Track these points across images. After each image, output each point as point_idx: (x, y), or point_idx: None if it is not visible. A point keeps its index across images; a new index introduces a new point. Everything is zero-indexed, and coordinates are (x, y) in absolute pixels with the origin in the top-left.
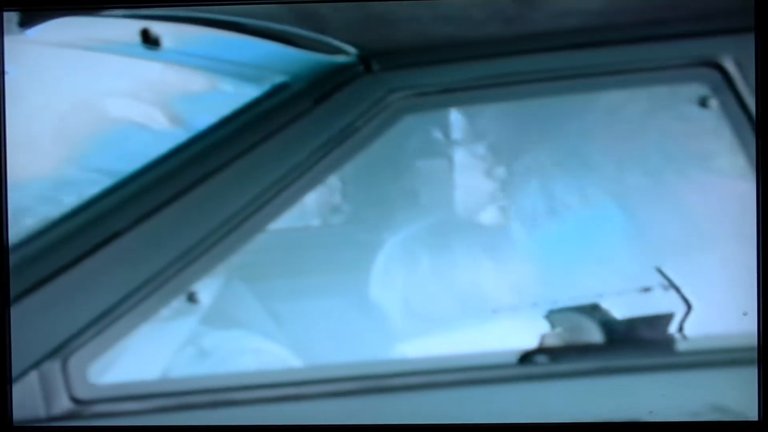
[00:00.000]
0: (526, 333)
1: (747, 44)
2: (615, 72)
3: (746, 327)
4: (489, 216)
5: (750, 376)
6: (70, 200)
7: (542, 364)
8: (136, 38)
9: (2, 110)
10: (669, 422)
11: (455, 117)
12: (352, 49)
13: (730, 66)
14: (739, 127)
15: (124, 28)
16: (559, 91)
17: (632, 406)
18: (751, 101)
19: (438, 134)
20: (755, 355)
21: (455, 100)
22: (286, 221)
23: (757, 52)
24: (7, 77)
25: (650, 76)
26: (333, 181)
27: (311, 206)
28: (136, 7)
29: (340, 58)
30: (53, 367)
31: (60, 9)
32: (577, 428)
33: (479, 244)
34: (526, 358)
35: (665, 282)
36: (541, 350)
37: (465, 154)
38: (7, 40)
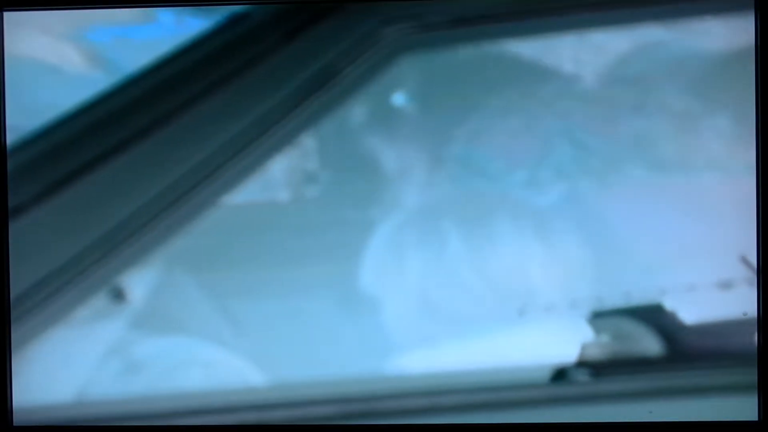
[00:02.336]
0: (563, 342)
1: None
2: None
3: None
4: (513, 187)
5: None
6: None
7: (583, 382)
8: None
9: (2, 110)
10: (669, 422)
11: (468, 56)
12: None
13: None
14: None
15: None
16: (608, 22)
17: None
18: None
19: (446, 79)
20: None
21: (467, 35)
22: (245, 194)
23: (757, 51)
24: None
25: (728, 2)
26: (308, 140)
27: (279, 174)
28: (135, 6)
29: None
30: None
31: (60, 9)
32: (577, 428)
33: (499, 224)
34: (562, 374)
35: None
36: (582, 364)
37: (481, 105)
38: None
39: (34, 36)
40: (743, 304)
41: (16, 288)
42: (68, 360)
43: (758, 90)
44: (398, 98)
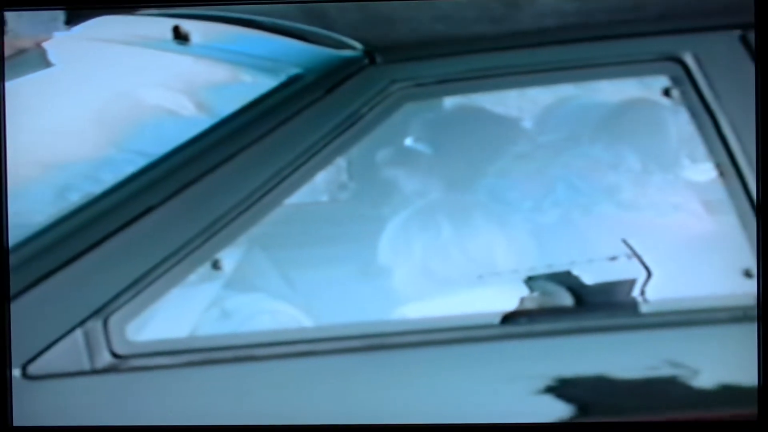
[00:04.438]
0: (508, 297)
1: (704, 41)
2: (591, 65)
3: (704, 290)
4: (478, 194)
5: (703, 334)
6: (109, 178)
7: (521, 324)
8: (169, 35)
9: (3, 111)
10: (669, 422)
11: (450, 105)
12: (358, 45)
13: (689, 61)
14: (697, 113)
15: (158, 25)
16: (541, 82)
17: (599, 362)
18: (707, 92)
19: (435, 119)
20: (709, 316)
21: (450, 90)
22: (299, 197)
23: (758, 50)
24: (53, 70)
25: (622, 69)
26: (341, 161)
27: (322, 184)
28: (132, 7)
29: (347, 53)
30: (96, 325)
31: (60, 9)
32: (577, 428)
33: (467, 218)
34: (507, 318)
35: (629, 252)
36: (520, 312)
37: (456, 136)
38: (55, 37)
39: (161, 91)
40: (625, 271)
41: (149, 262)
42: (184, 308)
43: (758, 90)
44: (402, 133)
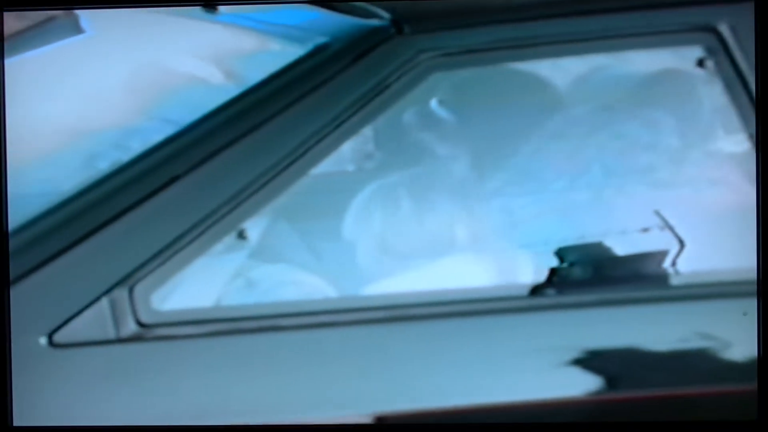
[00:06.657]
0: (538, 267)
1: (740, 12)
2: (624, 35)
3: (734, 264)
4: (510, 163)
5: (735, 307)
6: (138, 146)
7: (550, 295)
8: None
9: (2, 104)
10: (669, 422)
11: (477, 76)
12: (385, 14)
13: (725, 31)
14: (731, 84)
15: None
16: (572, 52)
17: (628, 334)
18: (743, 63)
19: (462, 89)
20: (740, 289)
21: (477, 60)
22: (325, 166)
23: (758, 49)
24: (83, 37)
25: (656, 40)
26: (367, 131)
27: (348, 153)
28: (138, 6)
29: (374, 22)
30: (122, 294)
31: (60, 9)
32: (577, 428)
33: (498, 188)
34: (537, 290)
35: (662, 223)
36: (549, 284)
37: (486, 110)
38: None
39: (190, 59)
40: (658, 242)
41: (175, 231)
42: (209, 278)
43: (758, 90)
44: (428, 103)
